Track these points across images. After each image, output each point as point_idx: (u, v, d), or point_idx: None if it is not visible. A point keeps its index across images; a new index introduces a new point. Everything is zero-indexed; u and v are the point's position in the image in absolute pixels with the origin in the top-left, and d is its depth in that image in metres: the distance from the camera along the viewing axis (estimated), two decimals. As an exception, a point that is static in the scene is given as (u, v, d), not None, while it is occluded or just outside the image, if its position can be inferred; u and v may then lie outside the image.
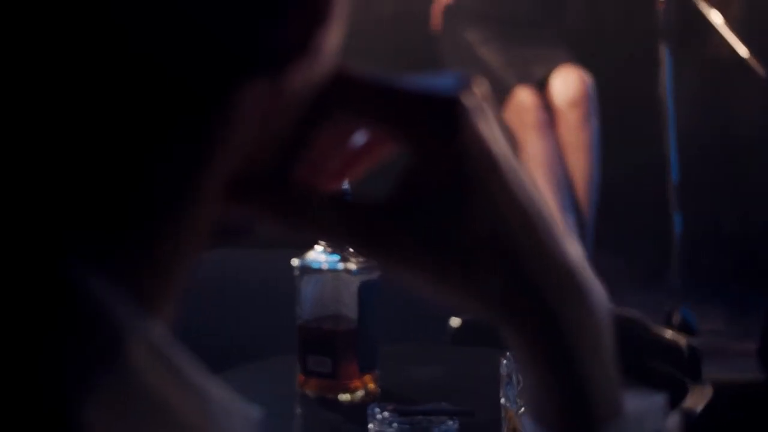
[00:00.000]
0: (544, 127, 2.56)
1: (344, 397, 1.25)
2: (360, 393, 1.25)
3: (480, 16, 2.69)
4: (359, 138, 0.46)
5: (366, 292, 1.23)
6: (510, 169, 0.42)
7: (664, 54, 2.28)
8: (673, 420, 0.49)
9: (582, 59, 2.67)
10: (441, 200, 0.40)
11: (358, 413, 1.16)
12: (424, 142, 0.40)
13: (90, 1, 0.31)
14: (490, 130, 0.41)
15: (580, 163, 2.59)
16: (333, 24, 0.35)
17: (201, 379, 0.36)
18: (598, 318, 0.44)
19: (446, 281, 0.41)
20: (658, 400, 0.48)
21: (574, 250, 0.45)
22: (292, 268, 1.23)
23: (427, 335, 1.66)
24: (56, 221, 0.33)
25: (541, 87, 2.62)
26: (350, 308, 1.25)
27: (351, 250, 0.42)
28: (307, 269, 1.27)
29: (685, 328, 2.19)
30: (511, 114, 2.58)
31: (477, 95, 0.42)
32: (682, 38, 2.47)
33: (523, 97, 2.57)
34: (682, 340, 1.98)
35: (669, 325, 2.18)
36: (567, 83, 2.60)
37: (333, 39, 0.37)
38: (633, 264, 2.75)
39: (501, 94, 2.58)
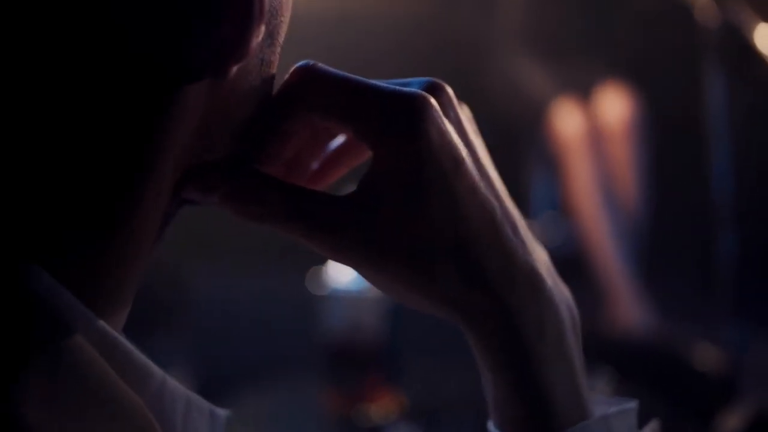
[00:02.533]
0: (590, 145, 2.54)
1: (370, 412, 1.25)
2: (386, 408, 1.25)
3: (527, 36, 2.69)
4: (337, 141, 0.46)
5: (391, 312, 1.23)
6: (472, 170, 0.42)
7: (711, 75, 2.25)
8: (652, 428, 0.47)
9: (630, 78, 2.65)
10: (401, 199, 0.40)
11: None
12: (385, 140, 0.40)
13: (42, 18, 0.32)
14: (452, 132, 0.41)
15: (628, 182, 2.56)
16: (264, 25, 0.36)
17: (157, 375, 0.37)
18: (560, 321, 0.44)
19: (404, 281, 0.41)
20: (630, 406, 0.47)
21: (537, 252, 0.45)
22: (308, 290, 1.23)
23: (454, 348, 1.65)
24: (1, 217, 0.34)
25: (588, 106, 2.60)
26: (376, 327, 1.25)
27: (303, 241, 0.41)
28: (334, 291, 1.28)
29: (733, 346, 2.14)
30: (558, 132, 2.56)
31: (443, 97, 0.42)
32: (733, 61, 2.43)
33: (570, 115, 2.56)
34: (722, 361, 1.94)
35: (716, 343, 2.14)
36: (614, 102, 2.58)
37: (265, 38, 0.38)
38: (683, 281, 2.71)
39: (547, 113, 2.57)
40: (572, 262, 2.61)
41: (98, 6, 0.32)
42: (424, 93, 0.40)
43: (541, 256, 0.45)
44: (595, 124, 2.58)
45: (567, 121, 2.55)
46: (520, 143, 2.83)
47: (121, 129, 0.34)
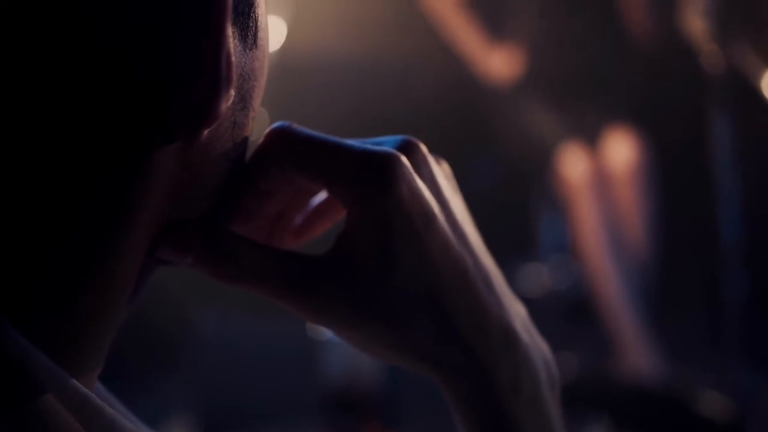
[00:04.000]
0: (598, 189, 2.54)
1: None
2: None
3: (535, 81, 2.70)
4: (320, 196, 0.47)
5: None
6: (444, 226, 0.42)
7: (718, 119, 2.25)
8: None
9: (637, 123, 2.66)
10: (373, 257, 0.40)
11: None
12: (357, 199, 0.41)
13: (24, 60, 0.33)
14: (424, 189, 0.42)
15: (635, 226, 2.56)
16: (234, 89, 0.36)
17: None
18: (536, 377, 0.44)
19: (378, 338, 0.41)
20: None
21: (513, 307, 0.45)
22: (309, 335, 1.24)
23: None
24: None
25: (596, 150, 2.61)
26: (374, 373, 1.25)
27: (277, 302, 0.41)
28: (333, 336, 1.28)
29: (741, 393, 2.12)
30: (565, 176, 2.57)
31: (417, 155, 0.43)
32: (739, 105, 2.44)
33: (577, 159, 2.56)
34: (730, 408, 1.92)
35: (724, 389, 2.12)
36: (621, 146, 2.59)
37: (237, 102, 0.39)
38: (691, 325, 2.69)
39: (555, 157, 2.58)
40: (581, 305, 2.60)
41: (70, 68, 0.33)
42: (395, 151, 0.41)
43: (517, 312, 0.45)
44: (603, 168, 2.58)
45: (574, 165, 2.56)
46: (529, 186, 2.83)
47: (92, 187, 0.35)
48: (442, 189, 0.44)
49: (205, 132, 0.37)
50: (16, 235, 0.34)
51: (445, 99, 2.90)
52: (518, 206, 2.89)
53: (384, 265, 0.40)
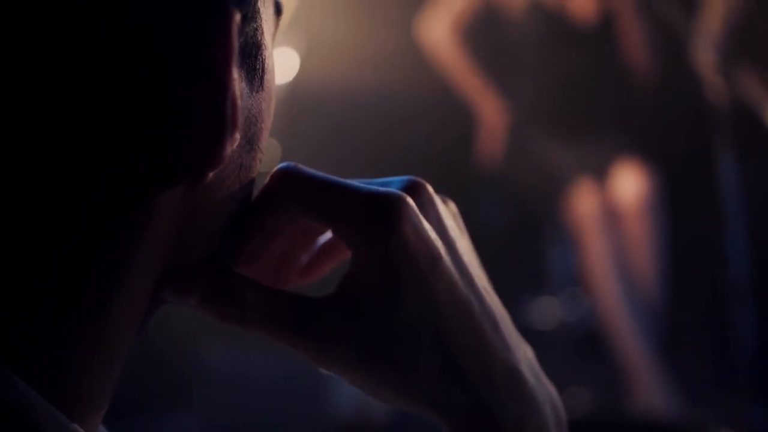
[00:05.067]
0: (607, 224, 2.54)
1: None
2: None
3: (543, 116, 2.71)
4: (326, 235, 0.47)
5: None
6: (449, 268, 0.41)
7: (724, 152, 2.25)
8: None
9: (645, 157, 2.66)
10: (379, 297, 0.40)
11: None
12: (362, 241, 0.40)
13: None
14: (429, 230, 0.41)
15: (645, 261, 2.55)
16: (239, 132, 0.36)
17: None
18: (542, 420, 0.43)
19: (383, 380, 0.41)
20: None
21: (520, 349, 0.45)
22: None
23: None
24: None
25: (605, 184, 2.61)
26: (384, 405, 1.24)
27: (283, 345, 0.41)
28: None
29: (752, 427, 2.10)
30: (574, 211, 2.57)
31: (423, 196, 0.43)
32: (744, 137, 2.44)
33: (586, 193, 2.57)
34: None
35: (736, 424, 2.10)
36: (630, 180, 2.59)
37: (243, 144, 0.39)
38: (702, 362, 2.67)
39: (564, 191, 2.59)
40: (592, 339, 2.58)
41: (73, 111, 0.33)
42: (400, 193, 0.41)
43: (524, 354, 0.45)
44: (612, 202, 2.59)
45: (584, 199, 2.56)
46: (541, 220, 2.83)
47: (97, 230, 0.35)
48: (448, 230, 0.43)
49: (211, 174, 0.36)
50: (18, 279, 0.34)
51: (459, 131, 2.91)
52: (531, 240, 2.89)
53: (389, 308, 0.40)
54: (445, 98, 2.92)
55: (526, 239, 2.88)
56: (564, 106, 2.72)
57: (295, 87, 2.54)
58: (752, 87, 2.24)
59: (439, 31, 2.77)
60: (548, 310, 2.77)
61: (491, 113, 2.78)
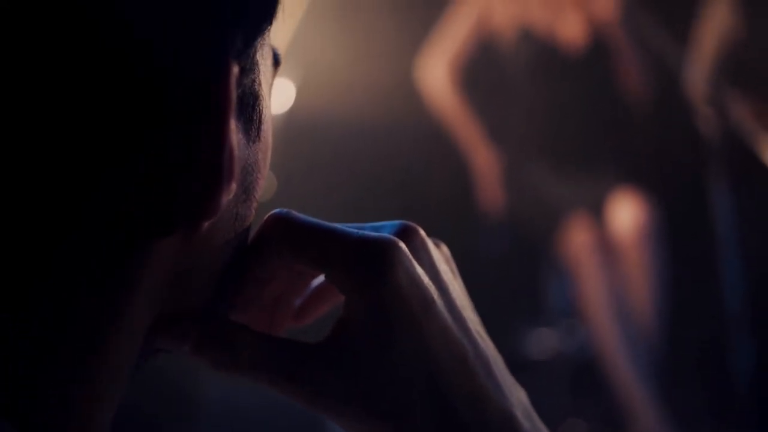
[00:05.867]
0: (604, 257, 2.54)
1: None
2: None
3: (539, 149, 2.73)
4: (320, 278, 0.47)
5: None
6: (442, 312, 0.42)
7: (717, 182, 2.26)
8: None
9: (641, 188, 2.67)
10: (372, 342, 0.40)
11: None
12: (355, 286, 0.41)
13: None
14: (422, 275, 0.42)
15: (643, 294, 2.55)
16: (234, 182, 0.36)
17: None
18: None
19: (378, 425, 0.41)
20: None
21: (514, 393, 0.44)
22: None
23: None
24: None
25: (601, 217, 2.62)
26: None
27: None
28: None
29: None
30: (571, 245, 2.58)
31: (415, 240, 0.43)
32: (738, 168, 2.45)
33: (583, 227, 2.57)
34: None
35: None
36: (627, 213, 2.60)
37: (239, 194, 0.39)
38: (700, 393, 2.66)
39: (560, 225, 2.59)
40: (589, 371, 2.58)
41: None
42: (391, 238, 0.41)
43: (518, 398, 0.44)
44: (608, 233, 2.59)
45: (580, 231, 2.56)
46: (538, 252, 2.84)
47: (90, 278, 0.35)
48: (441, 274, 0.43)
49: (205, 225, 0.37)
50: (10, 329, 0.34)
51: (455, 162, 2.91)
52: (528, 271, 2.89)
53: (382, 352, 0.40)
54: (441, 130, 2.93)
55: (524, 270, 2.88)
56: (558, 138, 2.73)
57: (290, 118, 2.55)
58: (744, 117, 2.26)
59: (437, 75, 2.80)
60: (545, 342, 2.77)
61: (486, 162, 2.79)
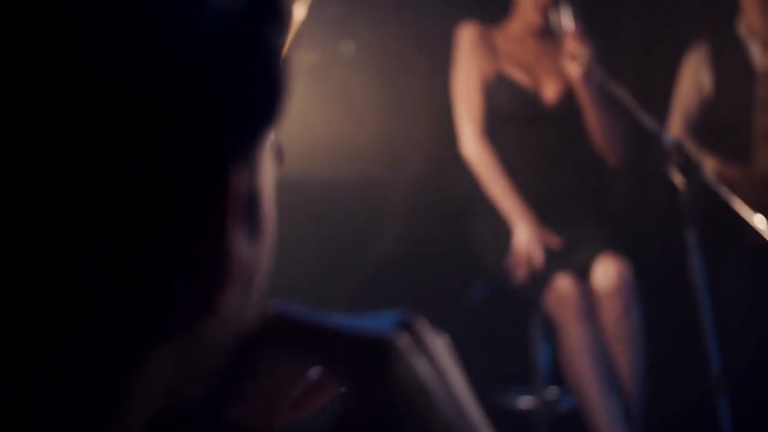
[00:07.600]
0: (585, 314, 2.55)
1: None
2: None
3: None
4: (312, 375, 0.47)
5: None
6: (443, 403, 0.42)
7: (693, 238, 2.28)
8: None
9: (623, 243, 2.69)
10: None
11: None
12: (355, 383, 0.41)
13: None
14: (422, 368, 0.42)
15: (623, 351, 2.55)
16: (235, 285, 0.37)
17: None
18: None
19: None
20: None
21: None
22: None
23: None
24: None
25: (583, 274, 2.63)
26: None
27: None
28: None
29: None
30: (553, 301, 2.58)
31: (415, 331, 0.44)
32: (716, 224, 2.48)
33: (565, 284, 2.58)
34: None
35: None
36: (608, 272, 2.61)
37: (239, 293, 0.39)
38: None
39: (542, 281, 2.60)
40: (571, 426, 2.56)
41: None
42: (391, 333, 0.42)
43: None
44: (590, 293, 2.60)
45: (561, 287, 2.57)
46: (526, 313, 2.81)
47: (86, 381, 0.35)
48: (441, 364, 0.44)
49: (203, 326, 0.37)
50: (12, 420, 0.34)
51: (441, 218, 2.91)
52: (517, 330, 2.85)
53: None
54: (423, 189, 2.94)
55: (513, 329, 2.85)
56: (542, 200, 2.74)
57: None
58: (716, 181, 2.30)
59: (470, 144, 2.76)
60: (531, 394, 2.76)
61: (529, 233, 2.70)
